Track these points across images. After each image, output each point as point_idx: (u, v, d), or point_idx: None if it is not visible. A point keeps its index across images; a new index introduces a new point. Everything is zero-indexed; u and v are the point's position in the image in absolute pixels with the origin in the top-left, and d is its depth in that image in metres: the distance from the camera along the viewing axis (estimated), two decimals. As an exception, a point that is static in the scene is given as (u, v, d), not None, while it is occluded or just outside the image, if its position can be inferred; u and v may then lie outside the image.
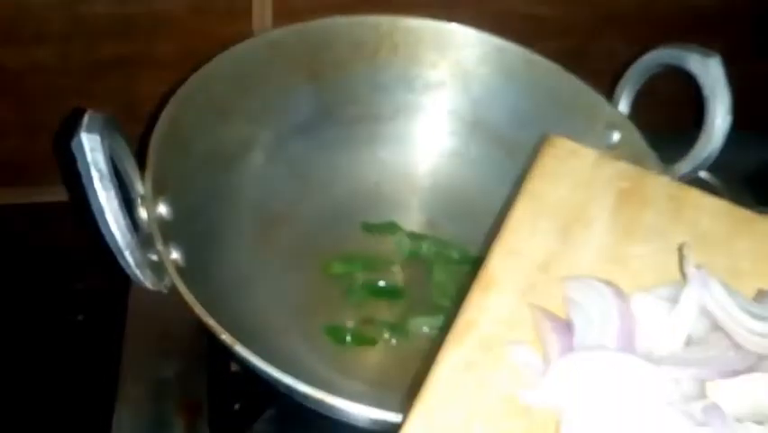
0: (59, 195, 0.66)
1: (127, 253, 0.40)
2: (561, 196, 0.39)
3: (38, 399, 0.58)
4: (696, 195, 0.41)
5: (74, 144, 0.38)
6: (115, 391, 0.51)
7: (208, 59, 0.53)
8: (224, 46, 0.55)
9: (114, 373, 0.52)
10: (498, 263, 0.36)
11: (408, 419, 0.30)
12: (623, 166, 0.42)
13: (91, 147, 0.38)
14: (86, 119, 0.38)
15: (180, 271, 0.43)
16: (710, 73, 0.51)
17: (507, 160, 0.60)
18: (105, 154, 0.38)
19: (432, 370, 0.31)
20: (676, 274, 0.36)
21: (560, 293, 0.35)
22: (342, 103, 0.61)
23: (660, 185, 0.41)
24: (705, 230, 0.39)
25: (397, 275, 0.59)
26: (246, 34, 0.61)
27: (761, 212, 0.41)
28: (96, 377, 0.57)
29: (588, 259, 0.37)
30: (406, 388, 0.43)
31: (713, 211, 0.40)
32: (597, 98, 0.57)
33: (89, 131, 0.38)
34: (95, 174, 0.38)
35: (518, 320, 0.34)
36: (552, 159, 0.41)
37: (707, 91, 0.51)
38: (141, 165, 0.46)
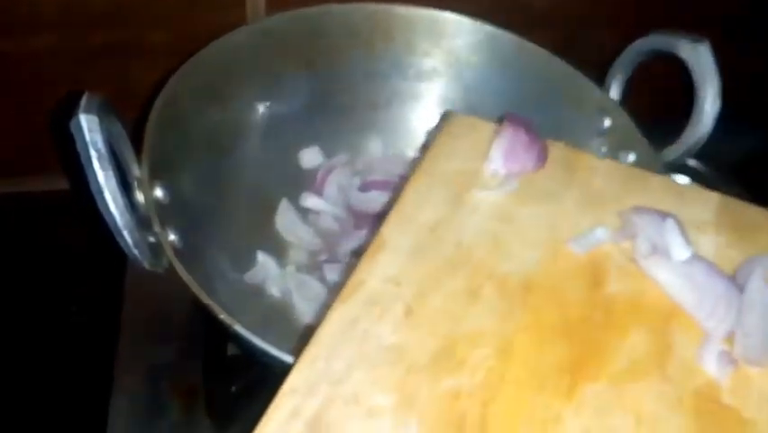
0: (53, 183, 0.66)
1: (126, 233, 0.40)
2: (456, 166, 0.40)
3: (36, 384, 0.58)
4: (588, 158, 0.42)
5: (72, 125, 0.38)
6: (112, 377, 0.51)
7: (203, 45, 0.53)
8: (217, 34, 0.55)
9: (110, 359, 0.52)
10: (391, 229, 0.37)
11: (294, 368, 0.31)
12: None
13: (89, 128, 0.38)
14: (84, 100, 0.39)
15: (177, 252, 0.43)
16: (700, 59, 0.52)
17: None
18: (102, 135, 0.38)
19: (320, 324, 0.33)
20: (565, 231, 0.38)
21: (446, 250, 0.36)
22: (336, 90, 0.61)
23: (555, 149, 0.42)
24: (597, 189, 0.40)
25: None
26: (239, 22, 0.62)
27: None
28: (92, 363, 0.57)
29: (476, 220, 0.38)
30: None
31: (605, 171, 0.42)
32: (588, 85, 0.57)
33: (87, 111, 0.38)
34: (93, 154, 0.38)
35: (405, 276, 0.35)
36: (449, 134, 0.42)
37: (696, 77, 0.52)
38: (137, 151, 0.46)
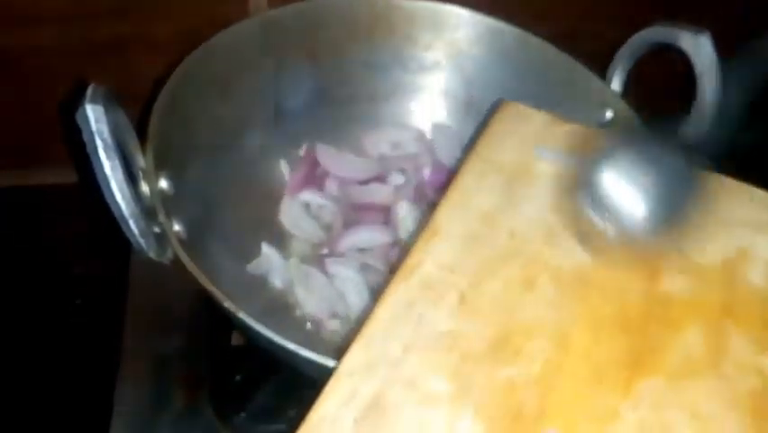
0: (57, 177, 0.67)
1: (132, 223, 0.40)
2: (509, 156, 0.40)
3: (41, 376, 0.58)
4: None
5: (78, 115, 0.38)
6: (117, 367, 0.52)
7: (206, 39, 0.54)
8: (220, 27, 0.55)
9: (115, 350, 0.53)
10: (444, 215, 0.37)
11: (349, 349, 0.31)
12: (572, 127, 0.42)
13: (95, 118, 0.38)
14: (90, 91, 0.39)
15: (182, 243, 0.43)
16: (701, 50, 0.52)
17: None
18: (108, 125, 0.39)
19: (375, 306, 0.33)
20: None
21: (500, 239, 0.36)
22: (338, 83, 0.61)
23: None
24: None
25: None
26: (242, 15, 0.62)
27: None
28: (97, 353, 0.57)
29: (529, 211, 0.38)
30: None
31: None
32: (590, 77, 0.58)
33: (93, 102, 0.38)
34: (99, 144, 0.38)
35: (459, 264, 0.35)
36: (502, 122, 0.42)
37: (698, 68, 0.52)
38: (141, 142, 0.46)
